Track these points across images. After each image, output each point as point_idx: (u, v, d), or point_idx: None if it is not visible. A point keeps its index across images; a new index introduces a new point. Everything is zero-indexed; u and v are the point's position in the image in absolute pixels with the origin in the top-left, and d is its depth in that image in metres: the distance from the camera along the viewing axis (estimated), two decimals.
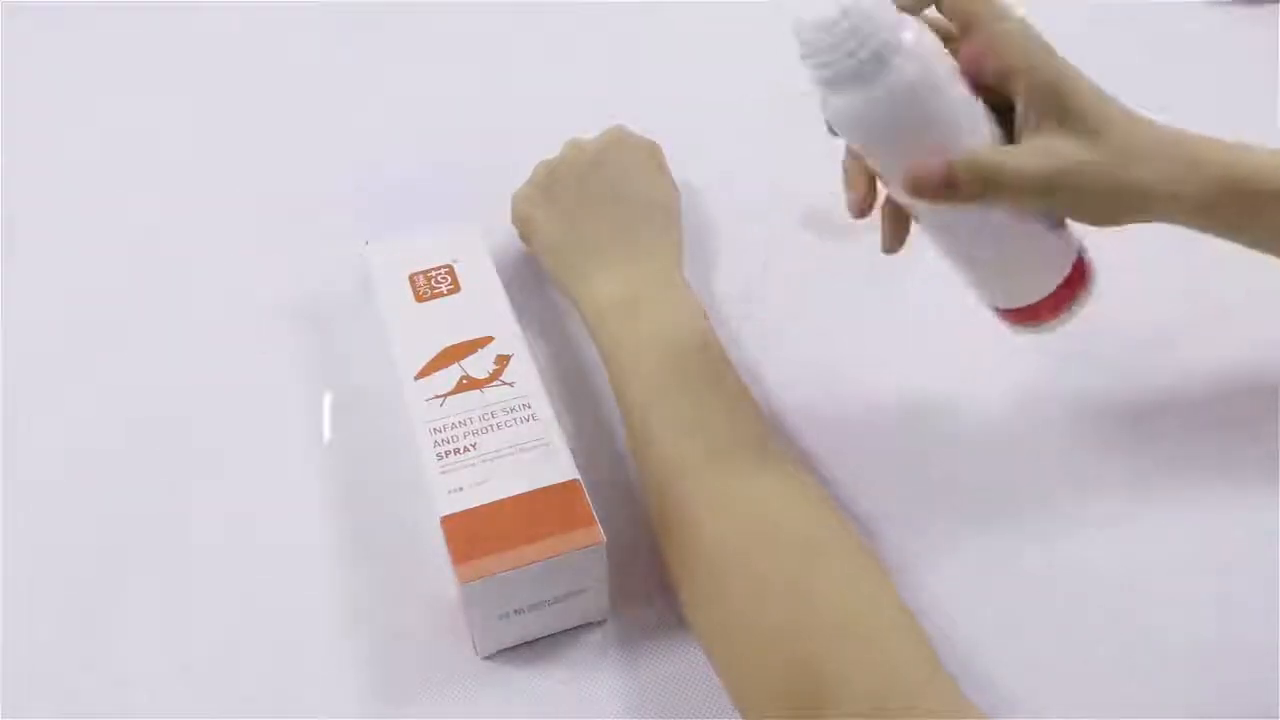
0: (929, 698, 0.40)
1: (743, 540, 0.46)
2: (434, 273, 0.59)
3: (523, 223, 0.65)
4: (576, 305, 0.59)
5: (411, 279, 0.58)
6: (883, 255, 0.60)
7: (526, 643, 0.49)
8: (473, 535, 0.46)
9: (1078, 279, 0.50)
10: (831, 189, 0.51)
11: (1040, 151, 0.45)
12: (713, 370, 0.53)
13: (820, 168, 0.51)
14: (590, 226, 0.60)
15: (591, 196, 0.61)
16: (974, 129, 0.46)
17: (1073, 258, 0.50)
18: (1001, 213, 0.47)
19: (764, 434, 0.51)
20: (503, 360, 0.53)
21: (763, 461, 0.49)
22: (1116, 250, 0.50)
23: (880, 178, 0.48)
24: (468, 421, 0.50)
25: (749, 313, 0.63)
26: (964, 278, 0.52)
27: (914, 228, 0.51)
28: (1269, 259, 0.52)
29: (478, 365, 0.53)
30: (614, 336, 0.55)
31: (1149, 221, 0.49)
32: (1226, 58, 0.81)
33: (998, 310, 0.52)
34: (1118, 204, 0.47)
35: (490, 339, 0.55)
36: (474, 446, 0.49)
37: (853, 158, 0.49)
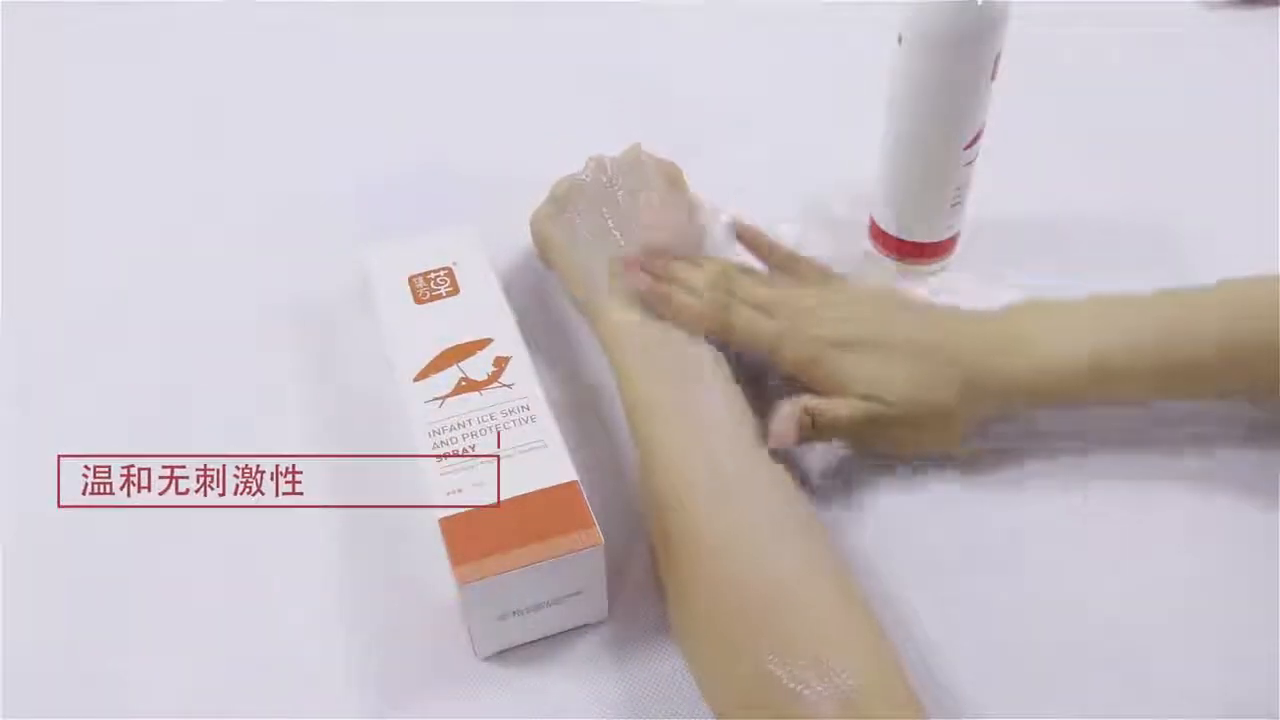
0: None
1: (723, 563, 0.46)
2: (433, 274, 0.59)
3: (542, 241, 0.64)
4: (592, 324, 0.59)
5: (411, 281, 0.59)
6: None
7: (526, 643, 0.49)
8: (471, 537, 0.46)
9: None
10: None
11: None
12: (720, 404, 0.52)
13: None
14: (608, 247, 0.59)
15: (611, 217, 0.60)
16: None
17: None
18: None
19: (766, 457, 0.50)
20: (501, 362, 0.54)
21: (762, 480, 0.49)
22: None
23: None
24: (466, 423, 0.50)
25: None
26: None
27: None
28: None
29: (476, 367, 0.53)
30: (628, 361, 0.55)
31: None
32: (1226, 60, 0.81)
33: None
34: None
35: (489, 341, 0.55)
36: (473, 448, 0.49)
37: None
